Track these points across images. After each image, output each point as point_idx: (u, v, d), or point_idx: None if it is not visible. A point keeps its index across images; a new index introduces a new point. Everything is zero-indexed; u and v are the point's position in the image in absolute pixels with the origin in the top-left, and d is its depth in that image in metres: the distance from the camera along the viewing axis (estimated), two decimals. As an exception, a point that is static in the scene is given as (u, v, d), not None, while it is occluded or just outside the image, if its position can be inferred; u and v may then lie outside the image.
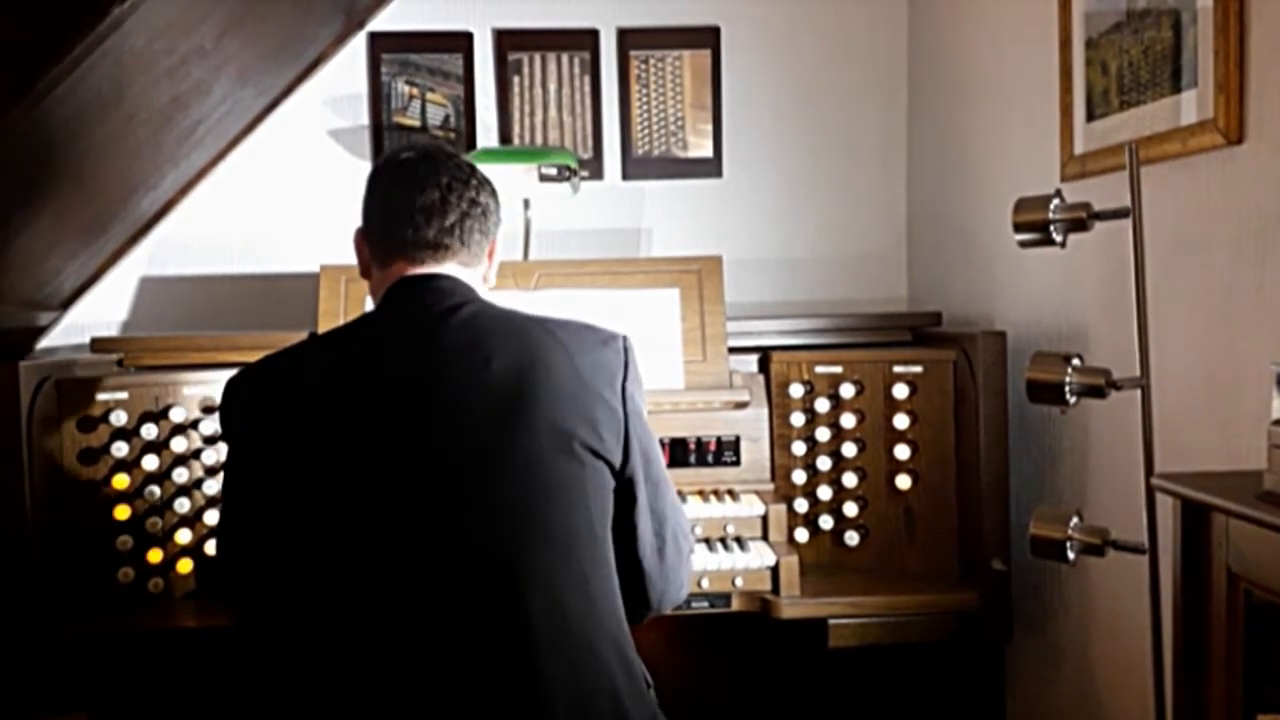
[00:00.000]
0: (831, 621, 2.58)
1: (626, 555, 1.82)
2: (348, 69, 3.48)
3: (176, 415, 2.68)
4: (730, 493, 2.80)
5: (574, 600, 1.68)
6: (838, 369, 2.82)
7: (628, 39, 3.53)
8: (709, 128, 3.55)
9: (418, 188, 1.83)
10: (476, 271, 1.89)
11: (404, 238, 1.83)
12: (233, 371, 2.69)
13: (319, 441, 1.69)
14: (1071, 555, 2.07)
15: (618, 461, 1.78)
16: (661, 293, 2.92)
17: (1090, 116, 2.40)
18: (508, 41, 3.51)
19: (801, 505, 2.82)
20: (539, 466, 1.68)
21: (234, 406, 1.79)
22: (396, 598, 1.65)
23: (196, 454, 2.71)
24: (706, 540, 2.66)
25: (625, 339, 1.85)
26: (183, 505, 2.68)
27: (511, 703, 1.63)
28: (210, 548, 2.68)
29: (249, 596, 1.80)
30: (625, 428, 1.78)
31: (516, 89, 3.52)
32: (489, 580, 1.65)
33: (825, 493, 2.81)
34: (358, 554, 1.66)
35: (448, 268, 1.84)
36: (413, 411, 1.68)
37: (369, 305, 2.85)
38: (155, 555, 2.66)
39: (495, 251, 1.94)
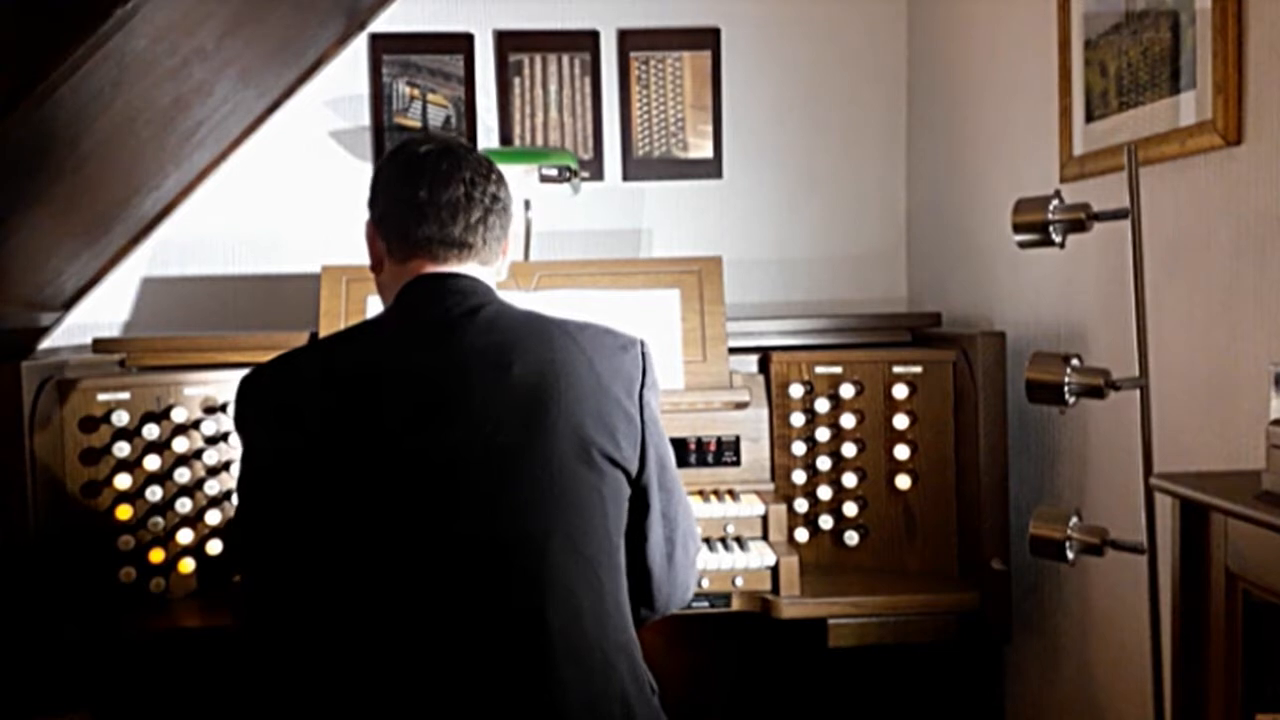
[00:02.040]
0: (831, 621, 2.59)
1: (635, 559, 1.81)
2: (349, 70, 3.48)
3: (178, 415, 2.69)
4: (730, 493, 2.81)
5: (589, 606, 1.68)
6: (837, 369, 2.83)
7: (628, 40, 3.53)
8: (709, 129, 3.56)
9: (441, 183, 1.79)
10: (492, 269, 1.87)
11: (428, 235, 1.79)
12: (235, 372, 2.75)
13: (335, 442, 1.67)
14: (1071, 555, 2.07)
15: (634, 470, 1.77)
16: (662, 293, 2.92)
17: (1089, 117, 2.40)
18: (508, 43, 3.52)
19: (801, 505, 2.82)
20: (559, 474, 1.68)
21: (248, 405, 1.76)
22: (411, 599, 1.64)
23: (198, 454, 2.72)
24: (707, 540, 2.66)
25: (643, 344, 1.83)
26: (184, 505, 2.69)
27: (526, 706, 1.63)
28: (213, 547, 2.69)
29: (262, 588, 1.77)
30: (642, 435, 1.78)
31: (517, 90, 3.52)
32: (507, 585, 1.65)
33: (825, 493, 2.81)
34: (373, 555, 1.65)
35: (468, 267, 1.82)
36: (433, 414, 1.67)
37: (370, 305, 2.87)
38: (157, 555, 2.66)
39: (509, 248, 1.92)
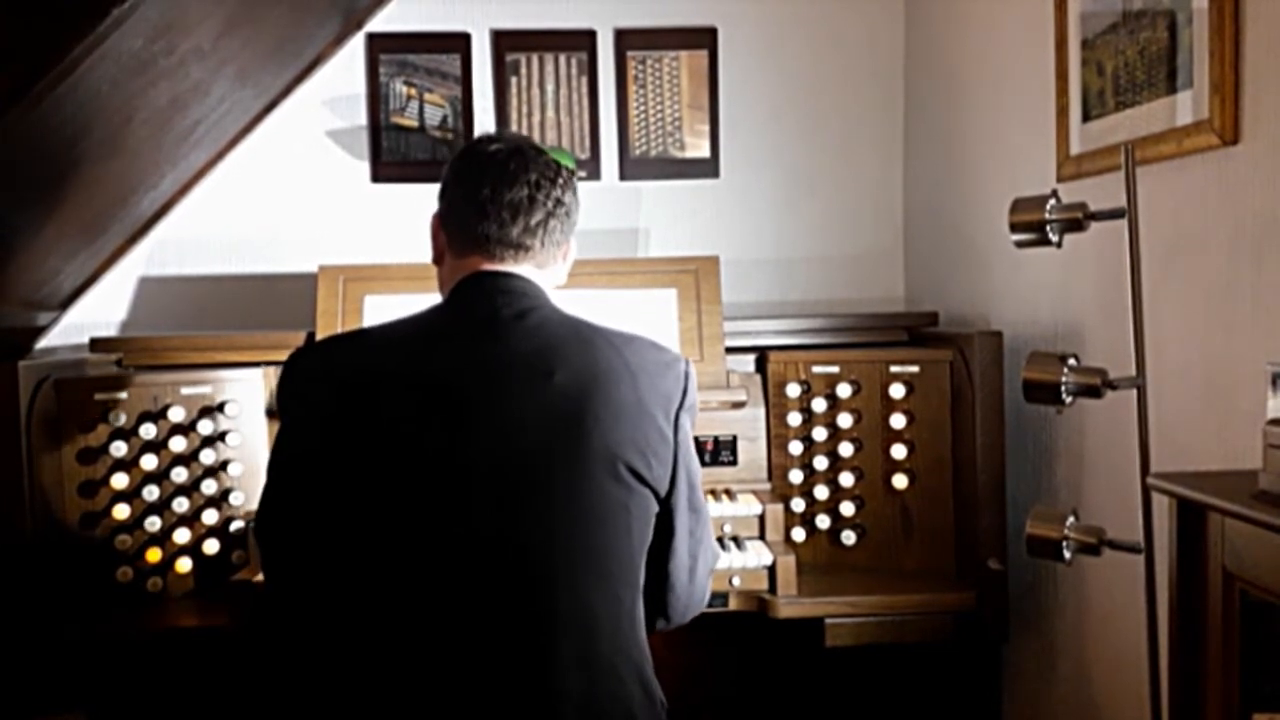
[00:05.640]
0: (828, 621, 2.59)
1: (658, 572, 1.81)
2: (346, 70, 3.48)
3: (175, 415, 2.68)
4: (728, 492, 2.81)
5: (606, 620, 1.69)
6: (835, 369, 2.83)
7: (625, 40, 3.53)
8: (706, 128, 3.56)
9: (506, 183, 1.80)
10: (549, 273, 1.87)
11: (487, 233, 1.80)
12: (232, 371, 2.75)
13: (369, 433, 1.67)
14: (1068, 555, 2.07)
15: (664, 490, 1.77)
16: (659, 293, 2.92)
17: (1086, 117, 2.40)
18: (505, 42, 3.51)
19: (798, 505, 2.82)
20: (587, 487, 1.67)
21: (291, 387, 1.76)
22: (428, 597, 1.65)
23: (195, 454, 2.71)
24: (704, 540, 2.67)
25: (687, 364, 1.83)
26: (181, 505, 2.69)
27: (527, 710, 1.63)
28: (210, 546, 2.69)
29: (277, 568, 1.77)
30: (675, 456, 1.78)
31: (514, 89, 3.52)
32: (523, 591, 1.65)
33: (822, 492, 2.82)
34: (388, 553, 1.66)
35: (524, 268, 1.82)
36: (464, 416, 1.66)
37: (368, 306, 2.87)
38: (154, 555, 2.67)
39: (571, 252, 1.92)
